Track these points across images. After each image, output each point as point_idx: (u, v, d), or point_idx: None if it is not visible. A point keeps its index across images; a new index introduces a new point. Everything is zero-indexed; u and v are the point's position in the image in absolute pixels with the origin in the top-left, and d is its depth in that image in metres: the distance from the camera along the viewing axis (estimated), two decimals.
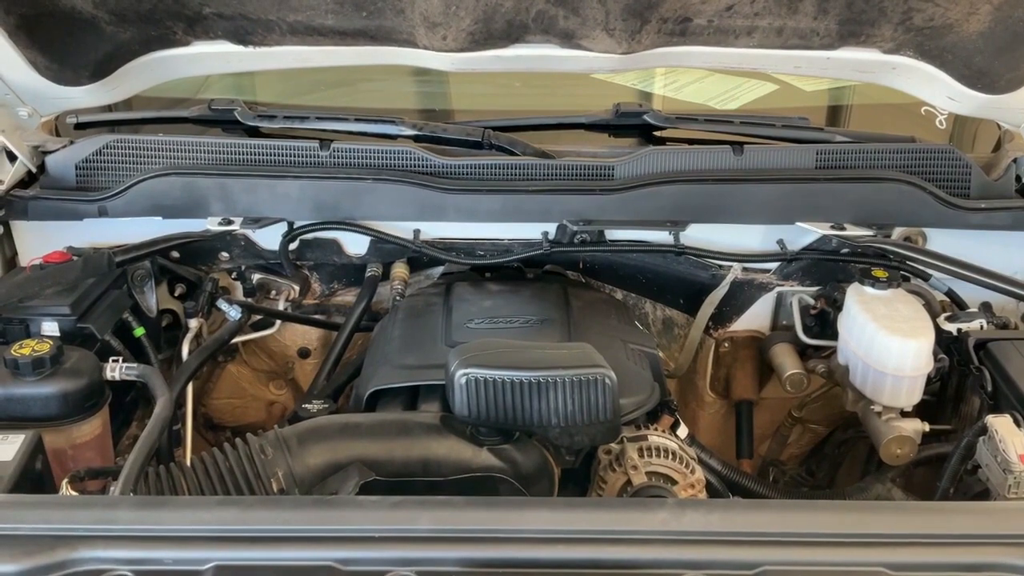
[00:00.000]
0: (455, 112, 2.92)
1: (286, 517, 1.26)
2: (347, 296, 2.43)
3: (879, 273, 2.11)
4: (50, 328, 1.92)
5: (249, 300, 2.36)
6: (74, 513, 1.27)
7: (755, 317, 2.39)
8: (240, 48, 2.09)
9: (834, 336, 2.17)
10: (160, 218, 2.22)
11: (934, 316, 2.07)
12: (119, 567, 1.17)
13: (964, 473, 1.82)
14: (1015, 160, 2.26)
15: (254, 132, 2.34)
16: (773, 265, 2.32)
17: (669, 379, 2.37)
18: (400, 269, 2.32)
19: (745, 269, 2.32)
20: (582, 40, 2.02)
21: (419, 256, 2.32)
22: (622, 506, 1.51)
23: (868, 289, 2.08)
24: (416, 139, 2.28)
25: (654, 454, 1.75)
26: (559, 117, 2.47)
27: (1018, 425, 1.70)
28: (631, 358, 1.92)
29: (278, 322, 2.39)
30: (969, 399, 2.00)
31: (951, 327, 2.06)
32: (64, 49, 2.01)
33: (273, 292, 2.40)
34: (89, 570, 1.17)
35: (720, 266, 2.32)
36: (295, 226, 2.26)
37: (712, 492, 1.94)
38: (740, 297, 2.37)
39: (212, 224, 2.21)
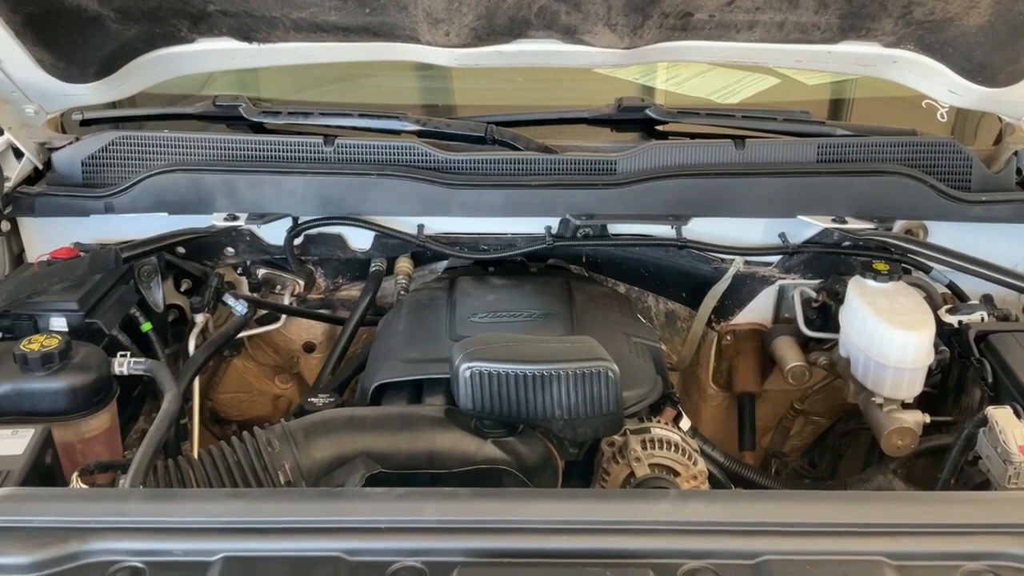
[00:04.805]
0: (458, 107, 2.92)
1: (293, 509, 1.28)
2: (352, 291, 2.44)
3: (880, 266, 2.12)
4: (58, 324, 1.93)
5: (255, 295, 2.37)
6: (85, 506, 1.29)
7: (757, 310, 2.40)
8: (244, 45, 2.10)
9: (836, 329, 2.18)
10: (166, 214, 2.23)
11: (935, 308, 2.08)
12: (129, 558, 1.18)
13: (965, 464, 1.83)
14: (1016, 153, 2.27)
15: (258, 128, 2.34)
16: (775, 258, 2.33)
17: (672, 372, 2.38)
18: (404, 264, 2.33)
19: (747, 262, 2.33)
20: (584, 35, 2.03)
21: (423, 251, 2.33)
22: (625, 497, 1.53)
23: (869, 282, 2.09)
24: (420, 134, 2.29)
25: (657, 446, 1.76)
26: (561, 112, 2.46)
27: (1018, 416, 1.71)
28: (634, 351, 1.93)
29: (283, 317, 2.40)
30: (970, 391, 2.01)
31: (952, 319, 2.07)
32: (70, 47, 2.02)
33: (278, 287, 2.41)
34: (100, 561, 1.18)
35: (722, 259, 2.32)
36: (300, 221, 2.27)
37: (715, 484, 1.95)
38: (742, 290, 2.38)
39: (217, 220, 2.23)
